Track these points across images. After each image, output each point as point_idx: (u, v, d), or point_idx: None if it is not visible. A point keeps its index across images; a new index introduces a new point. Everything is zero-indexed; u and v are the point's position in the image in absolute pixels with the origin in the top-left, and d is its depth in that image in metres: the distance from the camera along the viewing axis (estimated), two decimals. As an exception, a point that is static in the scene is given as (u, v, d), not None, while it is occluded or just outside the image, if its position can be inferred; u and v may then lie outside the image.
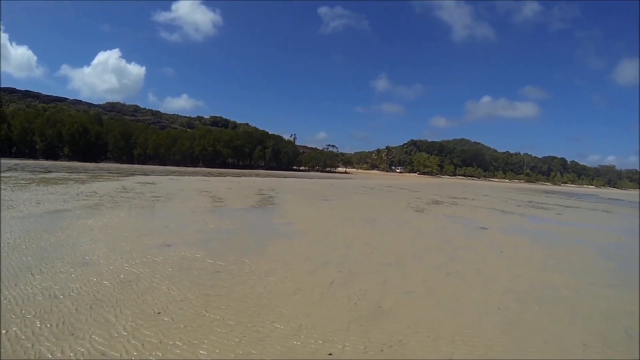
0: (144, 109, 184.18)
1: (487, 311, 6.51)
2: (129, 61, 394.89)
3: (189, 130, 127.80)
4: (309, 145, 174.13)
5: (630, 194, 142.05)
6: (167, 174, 48.16)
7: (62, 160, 76.95)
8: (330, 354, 4.70)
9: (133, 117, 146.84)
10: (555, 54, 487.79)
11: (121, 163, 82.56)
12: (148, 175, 42.55)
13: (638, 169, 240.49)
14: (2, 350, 4.41)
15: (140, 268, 7.55)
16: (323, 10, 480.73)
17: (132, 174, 41.81)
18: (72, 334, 4.76)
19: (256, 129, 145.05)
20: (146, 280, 6.85)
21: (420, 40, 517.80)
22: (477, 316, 6.25)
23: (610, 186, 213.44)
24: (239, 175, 56.58)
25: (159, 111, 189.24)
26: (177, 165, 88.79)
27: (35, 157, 76.50)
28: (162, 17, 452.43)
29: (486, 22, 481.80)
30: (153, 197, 19.84)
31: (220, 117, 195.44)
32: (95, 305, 5.64)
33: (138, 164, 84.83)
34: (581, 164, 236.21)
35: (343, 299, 6.58)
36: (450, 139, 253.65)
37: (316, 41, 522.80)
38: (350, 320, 5.69)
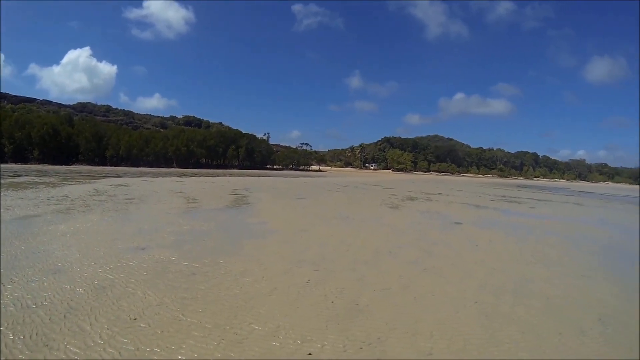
0: (116, 109, 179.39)
1: (463, 305, 6.65)
2: (99, 60, 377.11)
3: (162, 130, 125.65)
4: (283, 144, 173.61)
5: (599, 186, 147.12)
6: (140, 175, 47.22)
7: (31, 164, 74.08)
8: (309, 354, 4.71)
9: (105, 118, 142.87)
10: (527, 52, 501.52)
11: (93, 165, 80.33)
12: (121, 177, 41.63)
13: (607, 163, 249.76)
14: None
15: (115, 273, 7.40)
16: (297, 7, 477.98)
17: (105, 176, 40.85)
18: (47, 345, 4.64)
19: (229, 129, 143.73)
20: (121, 286, 6.73)
21: (394, 38, 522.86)
22: (454, 310, 6.37)
23: (580, 179, 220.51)
24: (212, 175, 55.96)
25: (131, 111, 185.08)
26: (151, 166, 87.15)
27: (3, 161, 73.40)
28: (133, 14, 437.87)
29: (460, 20, 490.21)
30: (126, 199, 19.44)
31: (194, 116, 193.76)
32: (70, 313, 5.50)
33: (110, 165, 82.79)
34: (552, 158, 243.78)
35: (320, 298, 6.61)
36: (423, 135, 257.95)
37: (290, 39, 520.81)
38: (328, 319, 5.72)
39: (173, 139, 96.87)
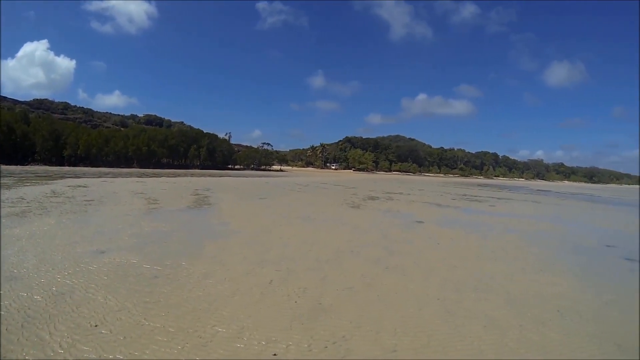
0: (75, 106, 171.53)
1: (426, 302, 6.83)
2: (57, 54, 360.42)
3: (122, 129, 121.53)
4: (244, 144, 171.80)
5: (556, 185, 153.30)
6: (99, 175, 45.66)
7: (-17, 164, 70.79)
8: (274, 355, 4.73)
9: (63, 116, 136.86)
10: (490, 55, 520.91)
11: (50, 165, 76.82)
12: (79, 177, 40.12)
13: (564, 163, 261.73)
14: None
15: (74, 278, 7.16)
16: (261, 5, 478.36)
17: (62, 177, 39.23)
18: (4, 358, 4.46)
19: (191, 128, 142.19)
20: (81, 292, 6.51)
21: (359, 38, 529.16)
22: (417, 307, 6.53)
23: (538, 179, 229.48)
24: (174, 176, 54.85)
25: (90, 109, 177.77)
26: (111, 166, 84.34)
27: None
28: (93, 6, 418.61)
29: (425, 22, 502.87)
30: (85, 201, 18.77)
31: (155, 115, 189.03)
32: (27, 323, 5.27)
33: (68, 165, 79.46)
34: (512, 158, 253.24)
35: (283, 298, 6.64)
36: (385, 135, 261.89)
37: (253, 37, 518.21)
38: (292, 319, 5.76)
39: (134, 138, 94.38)
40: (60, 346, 4.71)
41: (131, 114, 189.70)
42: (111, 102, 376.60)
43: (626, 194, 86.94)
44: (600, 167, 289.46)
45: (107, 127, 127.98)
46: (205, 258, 9.04)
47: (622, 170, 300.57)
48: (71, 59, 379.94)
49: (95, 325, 5.26)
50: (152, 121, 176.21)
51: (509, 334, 5.64)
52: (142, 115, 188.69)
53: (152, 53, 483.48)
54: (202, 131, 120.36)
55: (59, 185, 28.89)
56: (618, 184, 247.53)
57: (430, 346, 5.14)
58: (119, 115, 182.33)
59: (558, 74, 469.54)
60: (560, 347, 5.31)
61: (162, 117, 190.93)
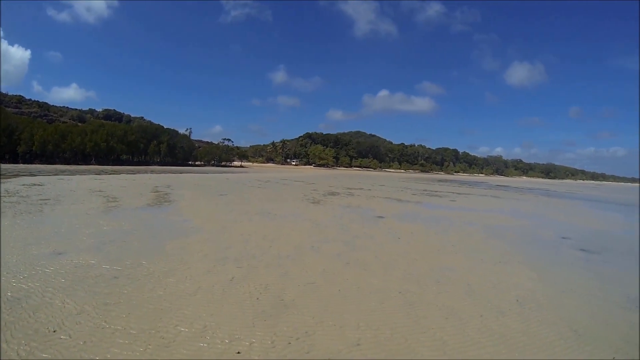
0: (29, 100, 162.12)
1: (388, 295, 6.96)
2: (11, 43, 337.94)
3: (80, 124, 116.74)
4: (205, 140, 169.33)
5: (515, 180, 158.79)
6: (56, 173, 43.76)
7: None
8: (238, 353, 4.72)
9: (17, 110, 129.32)
10: (453, 54, 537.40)
11: (3, 163, 72.36)
12: (35, 175, 38.27)
13: (522, 159, 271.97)
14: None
15: (30, 282, 6.85)
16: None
17: (16, 175, 37.31)
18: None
19: (151, 123, 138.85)
20: (37, 296, 6.24)
21: (323, 33, 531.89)
22: (379, 301, 6.65)
23: (498, 174, 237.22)
24: (133, 172, 53.27)
25: (46, 103, 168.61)
26: (68, 163, 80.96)
27: None
28: None
29: (390, 19, 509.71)
30: (41, 200, 17.96)
31: (114, 110, 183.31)
32: None
33: (23, 163, 75.41)
34: (472, 154, 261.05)
35: (245, 295, 6.62)
36: (346, 131, 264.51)
37: (215, 30, 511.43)
38: (255, 316, 5.75)
39: (92, 133, 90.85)
40: (18, 354, 4.50)
41: (89, 109, 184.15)
42: (68, 95, 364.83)
43: (580, 189, 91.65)
44: (557, 163, 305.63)
45: (63, 122, 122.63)
46: (166, 256, 8.91)
47: (577, 167, 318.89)
48: (26, 49, 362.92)
49: (54, 331, 5.08)
50: (111, 116, 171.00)
51: (470, 324, 5.84)
52: (100, 110, 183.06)
53: (111, 45, 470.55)
54: (163, 127, 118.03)
55: (13, 184, 27.53)
56: (573, 179, 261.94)
57: (393, 339, 5.24)
58: (76, 109, 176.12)
59: (519, 74, 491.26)
60: (519, 335, 5.54)
61: (122, 112, 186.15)
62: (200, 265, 8.34)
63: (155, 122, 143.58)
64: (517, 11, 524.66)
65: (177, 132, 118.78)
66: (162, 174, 52.40)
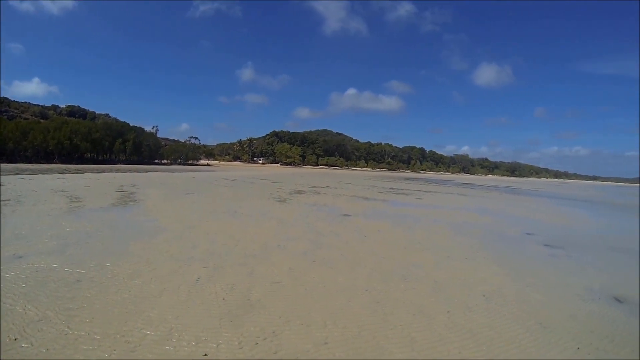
0: None
1: (355, 293, 6.99)
2: None
3: (42, 121, 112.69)
4: (172, 138, 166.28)
5: (481, 178, 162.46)
6: (16, 172, 41.91)
7: None
8: (205, 355, 4.65)
9: None
10: (422, 53, 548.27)
11: None
12: None
13: (488, 158, 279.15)
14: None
15: None
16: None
17: None
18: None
19: (117, 121, 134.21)
20: None
21: (292, 30, 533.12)
22: (346, 299, 6.67)
23: (464, 172, 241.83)
24: (98, 171, 51.70)
25: (6, 98, 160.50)
26: (29, 162, 77.63)
27: None
28: None
29: (360, 17, 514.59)
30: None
31: (78, 106, 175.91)
32: None
33: None
34: (438, 153, 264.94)
35: (211, 296, 6.54)
36: (312, 129, 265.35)
37: (183, 25, 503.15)
38: (221, 317, 5.68)
39: (55, 131, 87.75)
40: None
41: (52, 105, 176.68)
42: (30, 90, 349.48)
43: (544, 187, 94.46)
44: (522, 162, 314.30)
45: (25, 119, 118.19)
46: (131, 257, 8.71)
47: (541, 165, 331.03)
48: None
49: (15, 339, 4.86)
50: (75, 112, 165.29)
51: (437, 320, 5.93)
52: (64, 106, 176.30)
53: (76, 38, 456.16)
54: (129, 124, 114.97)
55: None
56: (537, 177, 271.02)
57: (361, 337, 5.27)
58: (38, 105, 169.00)
59: (487, 74, 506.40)
60: (486, 330, 5.67)
61: (86, 108, 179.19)
62: (166, 265, 8.20)
63: (121, 119, 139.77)
64: (488, 13, 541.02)
65: (143, 129, 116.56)
66: (128, 173, 51.25)
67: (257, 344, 4.95)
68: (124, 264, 8.19)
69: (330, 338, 5.17)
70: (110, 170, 57.84)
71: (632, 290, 8.39)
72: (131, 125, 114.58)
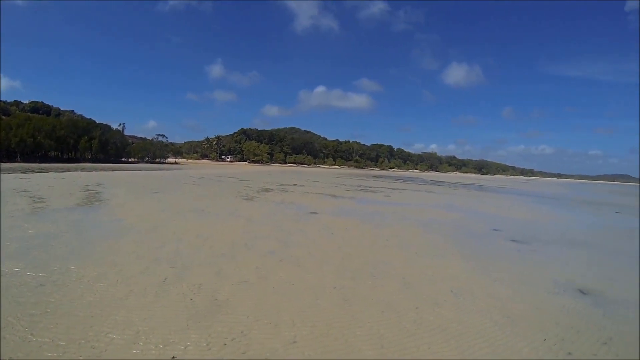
0: None
1: (323, 291, 7.02)
2: None
3: (3, 117, 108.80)
4: (139, 135, 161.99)
5: (449, 176, 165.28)
6: None
7: None
8: (173, 357, 4.59)
9: None
10: (394, 52, 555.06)
11: None
12: None
13: (456, 156, 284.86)
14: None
15: None
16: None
17: None
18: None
19: (82, 118, 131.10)
20: None
21: (263, 26, 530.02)
22: (314, 297, 6.69)
23: (432, 170, 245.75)
24: (63, 170, 50.09)
25: None
26: None
27: None
28: None
29: (332, 15, 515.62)
30: None
31: (42, 102, 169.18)
32: None
33: None
34: (406, 151, 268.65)
35: (178, 297, 6.46)
36: (281, 127, 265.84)
37: (152, 20, 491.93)
38: (189, 318, 5.61)
39: (17, 128, 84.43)
40: None
41: (14, 100, 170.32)
42: None
43: (510, 184, 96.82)
44: (489, 160, 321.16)
45: None
46: (97, 259, 8.51)
47: (508, 163, 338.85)
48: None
49: None
50: (39, 109, 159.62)
51: (406, 316, 6.01)
52: (27, 102, 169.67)
53: (40, 30, 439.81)
54: (95, 121, 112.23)
55: None
56: (504, 175, 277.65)
57: (329, 335, 5.29)
58: None
59: (456, 74, 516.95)
60: (454, 324, 5.79)
61: (50, 104, 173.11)
62: (132, 267, 8.05)
63: (87, 116, 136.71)
64: (460, 13, 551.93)
65: (109, 127, 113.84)
66: (94, 172, 50.02)
67: (225, 344, 4.92)
68: (89, 266, 7.99)
69: (299, 337, 5.18)
70: (76, 169, 56.34)
71: (595, 282, 8.74)
72: (97, 122, 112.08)
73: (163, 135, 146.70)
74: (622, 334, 5.93)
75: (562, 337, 5.63)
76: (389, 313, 6.09)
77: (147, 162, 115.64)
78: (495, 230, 15.37)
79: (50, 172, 43.83)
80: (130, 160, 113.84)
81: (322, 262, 8.99)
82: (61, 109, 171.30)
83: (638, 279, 9.20)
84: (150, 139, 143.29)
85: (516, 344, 5.30)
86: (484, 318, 6.11)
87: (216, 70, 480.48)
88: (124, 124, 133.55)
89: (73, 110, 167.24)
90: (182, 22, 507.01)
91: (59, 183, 28.75)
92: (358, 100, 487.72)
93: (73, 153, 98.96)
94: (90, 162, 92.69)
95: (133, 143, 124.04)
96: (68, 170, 53.27)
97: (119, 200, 19.44)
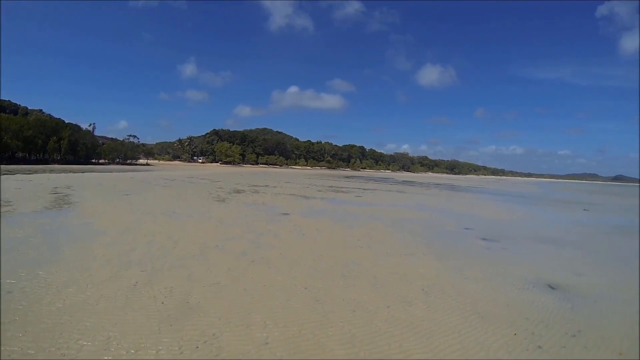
0: None
1: (294, 292, 7.05)
2: None
3: None
4: (109, 136, 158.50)
5: (421, 176, 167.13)
6: None
7: None
8: None
9: None
10: (368, 52, 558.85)
11: None
12: None
13: (428, 156, 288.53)
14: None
15: None
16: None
17: None
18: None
19: (51, 117, 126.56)
20: None
21: (237, 25, 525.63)
22: (286, 298, 6.71)
23: (404, 170, 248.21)
24: (30, 172, 48.51)
25: None
26: None
27: None
28: None
29: (307, 14, 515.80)
30: None
31: (9, 101, 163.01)
32: None
33: None
34: (378, 151, 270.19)
35: (149, 300, 6.38)
36: (253, 128, 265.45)
37: (124, 16, 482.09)
38: (160, 322, 5.55)
39: None
40: None
41: None
42: None
43: (482, 184, 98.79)
44: (461, 160, 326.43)
45: None
46: (66, 264, 8.31)
47: (479, 163, 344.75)
48: None
49: None
50: (5, 108, 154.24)
51: (377, 315, 6.07)
52: None
53: (5, 28, 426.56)
54: (64, 121, 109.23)
55: None
56: (476, 175, 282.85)
57: (301, 335, 5.30)
58: None
59: (430, 75, 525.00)
60: (426, 322, 5.88)
61: (17, 103, 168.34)
62: (103, 271, 7.90)
63: (56, 115, 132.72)
64: (435, 15, 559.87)
65: (79, 127, 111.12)
66: (63, 174, 48.83)
67: (197, 347, 4.89)
68: (58, 271, 7.81)
69: (271, 338, 5.18)
70: (44, 171, 54.89)
71: (564, 277, 9.01)
72: (66, 122, 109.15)
73: (134, 136, 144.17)
74: (590, 326, 6.14)
75: (532, 332, 5.79)
76: (361, 312, 6.14)
77: (118, 163, 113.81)
78: (466, 229, 15.65)
79: (17, 174, 42.63)
80: (100, 161, 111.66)
81: (294, 263, 9.02)
82: (29, 108, 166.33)
83: (608, 273, 9.61)
84: (121, 139, 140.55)
85: (487, 340, 5.42)
86: (455, 315, 6.22)
87: (189, 69, 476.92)
88: (94, 124, 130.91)
89: (41, 110, 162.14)
90: (155, 19, 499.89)
91: (27, 186, 28.03)
92: (331, 101, 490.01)
93: (41, 154, 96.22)
94: (59, 164, 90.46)
95: (104, 144, 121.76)
96: (36, 172, 51.85)
97: (89, 203, 19.08)
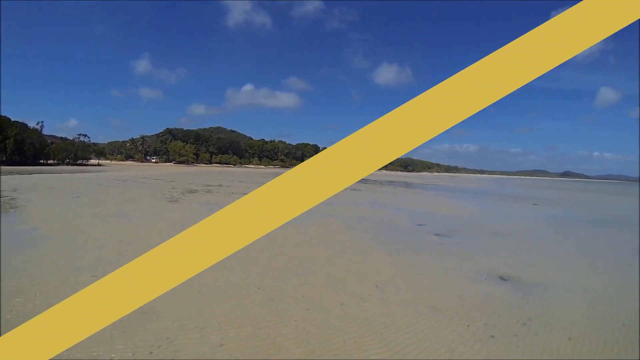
0: None
1: (248, 292, 7.02)
2: None
3: None
4: (59, 135, 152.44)
5: (375, 174, 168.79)
6: None
7: None
8: None
9: None
10: (325, 50, 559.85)
11: None
12: None
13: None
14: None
15: None
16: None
17: None
18: None
19: None
20: None
21: (194, 20, 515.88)
22: (240, 298, 6.68)
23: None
24: None
25: None
26: None
27: None
28: None
29: (266, 11, 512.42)
30: None
31: None
32: None
33: None
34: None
35: (102, 307, 6.17)
36: (207, 127, 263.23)
37: (73, 8, 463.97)
38: (113, 328, 5.32)
39: None
40: None
41: None
42: None
43: (435, 181, 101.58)
44: (414, 157, 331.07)
45: None
46: (12, 273, 7.89)
47: (433, 161, 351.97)
48: None
49: None
50: None
51: (331, 312, 6.13)
52: None
53: None
54: (9, 119, 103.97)
55: None
56: (430, 172, 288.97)
57: (256, 335, 5.28)
58: None
59: (387, 74, 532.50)
60: (380, 317, 5.97)
61: None
62: (52, 278, 7.62)
63: (1, 113, 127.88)
64: (394, 14, 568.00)
65: (26, 126, 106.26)
66: (8, 176, 46.53)
67: (152, 352, 4.80)
68: (4, 280, 7.41)
69: (226, 339, 5.14)
70: (-13, 174, 52.46)
71: (515, 269, 9.38)
72: (12, 120, 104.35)
73: (85, 135, 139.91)
74: (540, 314, 6.44)
75: (485, 322, 5.99)
76: (315, 310, 6.18)
77: (68, 164, 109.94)
78: (419, 225, 15.98)
79: (-43, 178, 40.60)
80: (49, 162, 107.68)
81: (247, 263, 8.95)
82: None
83: (556, 263, 10.03)
84: (71, 138, 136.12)
85: (441, 332, 5.56)
86: (409, 310, 6.35)
87: (143, 65, 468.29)
88: (42, 122, 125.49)
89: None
90: (108, 11, 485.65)
91: (-33, 189, 26.78)
92: (286, 99, 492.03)
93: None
94: (4, 165, 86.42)
95: (52, 143, 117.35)
96: (-22, 174, 49.50)
97: (37, 207, 18.32)
